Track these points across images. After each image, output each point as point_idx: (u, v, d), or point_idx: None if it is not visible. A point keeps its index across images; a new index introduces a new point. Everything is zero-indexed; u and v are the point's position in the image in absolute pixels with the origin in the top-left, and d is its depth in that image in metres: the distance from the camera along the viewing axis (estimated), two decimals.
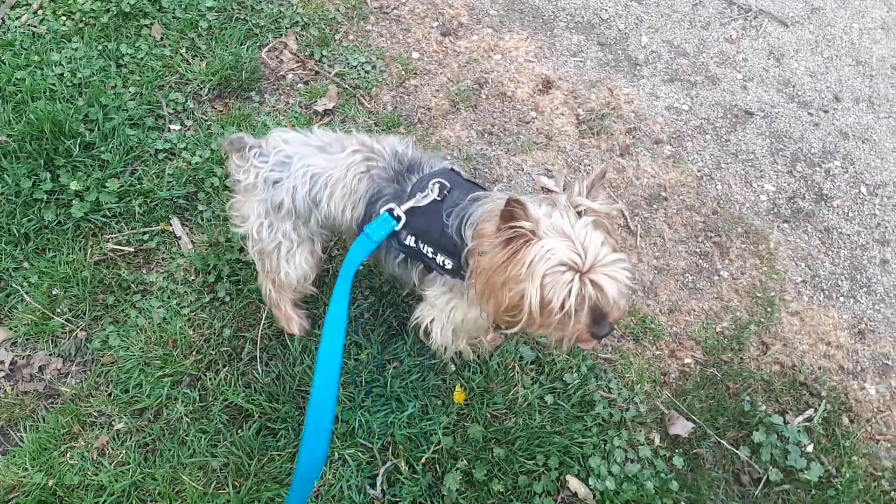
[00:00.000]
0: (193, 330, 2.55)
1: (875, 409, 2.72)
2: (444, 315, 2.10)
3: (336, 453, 2.25)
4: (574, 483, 2.30)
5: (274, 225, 2.10)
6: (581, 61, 3.82)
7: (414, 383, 2.45)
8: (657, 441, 2.47)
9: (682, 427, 2.50)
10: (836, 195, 3.39)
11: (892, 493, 2.48)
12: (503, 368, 2.53)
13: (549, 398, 2.47)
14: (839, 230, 3.25)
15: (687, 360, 2.72)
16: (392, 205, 1.91)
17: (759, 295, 2.96)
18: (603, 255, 1.64)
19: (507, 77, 3.66)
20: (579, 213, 1.71)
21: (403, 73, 3.57)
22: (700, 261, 3.05)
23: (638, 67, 3.85)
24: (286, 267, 2.17)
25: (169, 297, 2.62)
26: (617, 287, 1.65)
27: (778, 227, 3.22)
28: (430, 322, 2.14)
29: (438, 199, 1.91)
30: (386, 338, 2.57)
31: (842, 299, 3.02)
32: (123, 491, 2.16)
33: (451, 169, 2.04)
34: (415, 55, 3.69)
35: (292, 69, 3.50)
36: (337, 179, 2.01)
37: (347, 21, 3.79)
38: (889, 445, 2.63)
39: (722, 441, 2.50)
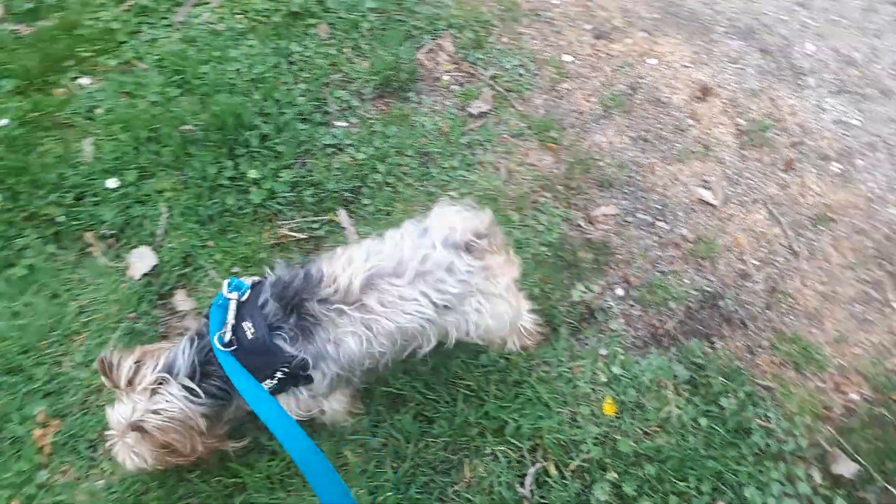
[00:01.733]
0: None
1: None
2: None
3: (489, 448, 2.31)
4: None
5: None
6: (741, 68, 3.68)
7: (563, 390, 2.47)
8: (818, 479, 2.36)
9: (845, 467, 2.37)
10: None
11: None
12: (656, 385, 2.50)
13: (703, 421, 2.42)
14: None
15: (853, 396, 2.58)
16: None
17: None
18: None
19: (662, 82, 3.59)
20: None
21: (556, 76, 3.58)
22: (870, 290, 2.88)
23: (802, 77, 3.67)
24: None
25: None
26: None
27: None
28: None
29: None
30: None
31: None
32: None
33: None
34: (567, 58, 3.69)
35: (448, 71, 3.59)
36: None
37: (501, 23, 3.84)
38: None
39: (890, 487, 2.36)
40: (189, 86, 3.40)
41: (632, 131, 3.37)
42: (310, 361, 1.87)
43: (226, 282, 1.95)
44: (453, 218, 1.99)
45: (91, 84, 3.53)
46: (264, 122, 3.20)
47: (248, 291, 1.94)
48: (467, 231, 1.95)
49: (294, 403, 2.03)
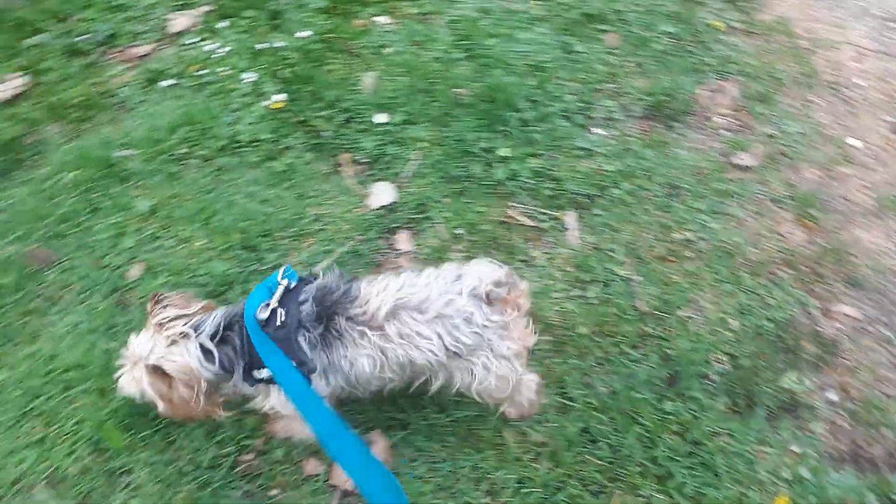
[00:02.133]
0: (556, 314, 2.72)
1: None
2: None
3: (646, 490, 2.26)
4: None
5: None
6: None
7: (740, 468, 2.35)
8: None
9: None
10: None
11: None
12: (841, 503, 2.30)
13: None
14: None
15: None
16: None
17: None
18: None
19: None
20: None
21: (836, 156, 3.35)
22: None
23: None
24: None
25: (544, 276, 2.83)
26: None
27: None
28: None
29: None
30: (724, 412, 2.49)
31: None
32: (454, 419, 2.41)
33: None
34: (853, 142, 3.44)
35: (723, 115, 3.49)
36: None
37: (794, 85, 3.66)
38: None
39: None
40: (473, 53, 3.61)
41: None
42: (318, 368, 1.95)
43: (282, 268, 2.05)
44: (484, 269, 2.00)
45: (387, 24, 3.86)
46: (530, 108, 3.32)
47: (296, 283, 2.03)
48: (489, 280, 1.95)
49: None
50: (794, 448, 2.42)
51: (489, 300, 1.96)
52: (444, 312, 1.93)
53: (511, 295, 2.02)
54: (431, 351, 1.93)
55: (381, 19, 3.92)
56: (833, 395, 2.58)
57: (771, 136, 3.38)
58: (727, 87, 3.60)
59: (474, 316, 1.94)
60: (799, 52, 3.83)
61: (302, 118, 3.24)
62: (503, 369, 2.03)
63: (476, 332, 1.95)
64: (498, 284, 1.98)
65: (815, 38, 3.93)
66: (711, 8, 4.01)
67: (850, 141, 3.45)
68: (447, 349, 1.94)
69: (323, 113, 3.26)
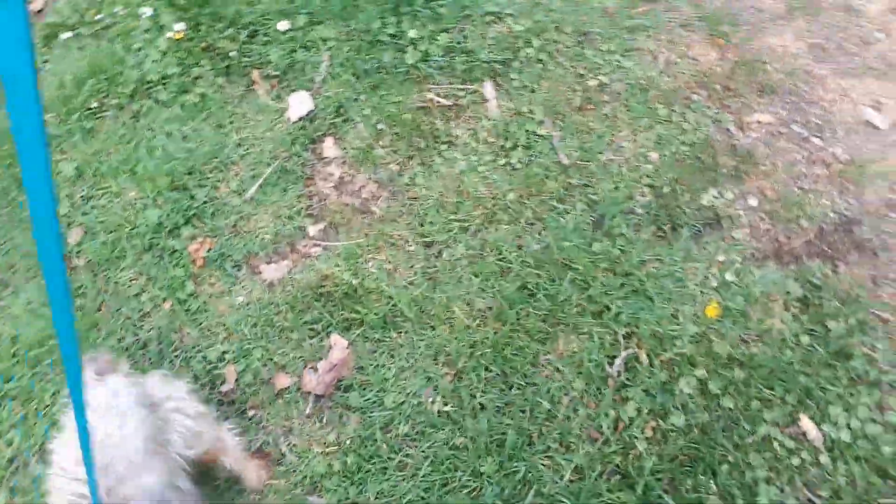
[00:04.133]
0: (485, 187, 2.86)
1: None
2: None
3: (585, 327, 2.50)
4: (806, 423, 2.33)
5: None
6: None
7: (670, 287, 2.57)
8: None
9: None
10: None
11: None
12: (766, 298, 2.53)
13: (805, 338, 2.44)
14: None
15: None
16: None
17: None
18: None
19: None
20: None
21: None
22: None
23: None
24: None
25: (469, 153, 2.94)
26: None
27: None
28: None
29: None
30: (650, 240, 2.68)
31: None
32: (407, 304, 2.61)
33: None
34: None
35: None
36: None
37: None
38: None
39: None
40: None
41: (811, 37, 3.15)
42: None
43: None
44: None
45: None
46: None
47: None
48: None
49: None
50: (720, 258, 2.62)
51: None
52: None
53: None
54: None
55: None
56: (752, 201, 2.75)
57: None
58: None
59: None
60: None
61: (206, 43, 3.23)
62: None
63: None
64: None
65: None
66: None
67: None
68: None
69: (226, 33, 3.25)
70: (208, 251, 2.73)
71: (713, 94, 2.99)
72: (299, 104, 3.04)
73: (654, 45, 3.13)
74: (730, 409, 2.34)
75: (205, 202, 2.83)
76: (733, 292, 2.55)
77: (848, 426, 2.31)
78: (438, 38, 3.16)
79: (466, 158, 2.93)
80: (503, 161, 2.91)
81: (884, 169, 2.81)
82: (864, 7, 3.19)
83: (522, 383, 2.38)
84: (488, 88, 3.08)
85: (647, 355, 2.44)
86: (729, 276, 2.58)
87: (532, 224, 2.74)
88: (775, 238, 2.69)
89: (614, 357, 2.46)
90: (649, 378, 2.39)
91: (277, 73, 3.15)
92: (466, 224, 2.78)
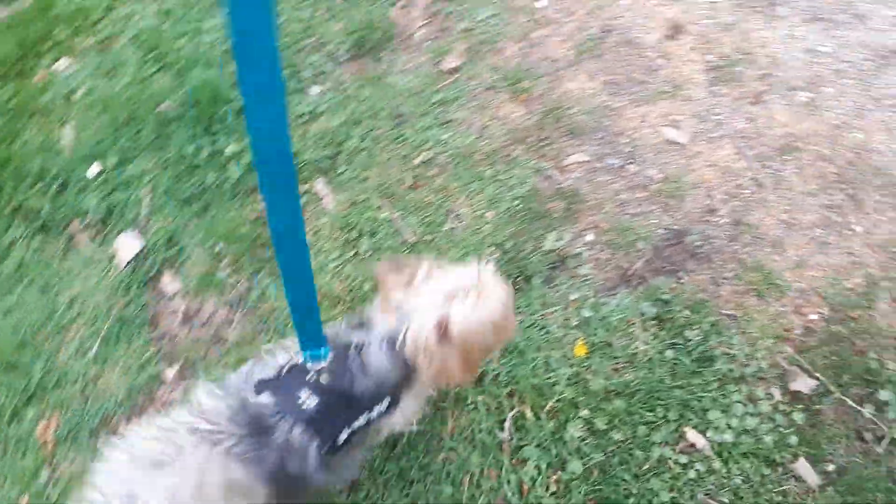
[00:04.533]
0: (339, 283, 2.83)
1: None
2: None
3: (469, 399, 2.49)
4: (692, 435, 2.43)
5: None
6: (714, 2, 3.68)
7: (536, 336, 2.63)
8: (777, 396, 2.52)
9: (803, 383, 2.53)
10: None
11: None
12: (625, 324, 2.65)
13: (669, 353, 2.57)
14: None
15: (812, 317, 2.71)
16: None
17: (894, 250, 2.86)
18: (475, 273, 1.78)
19: (634, 23, 3.61)
20: None
21: (529, 23, 3.61)
22: (832, 214, 2.97)
23: (776, 6, 3.66)
24: None
25: (316, 254, 2.91)
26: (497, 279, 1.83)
27: None
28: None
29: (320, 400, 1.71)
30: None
31: None
32: None
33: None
34: (539, 4, 3.70)
35: (421, 27, 3.63)
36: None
37: None
38: None
39: (845, 398, 2.51)
40: (165, 62, 3.49)
41: (603, 75, 3.42)
42: None
43: None
44: None
45: (69, 67, 3.63)
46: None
47: None
48: None
49: None
50: (574, 296, 2.73)
51: None
52: None
53: None
54: None
55: (61, 64, 3.67)
56: (589, 236, 2.90)
57: (467, 30, 3.57)
58: None
59: None
60: None
61: (14, 204, 3.03)
62: None
63: None
64: None
65: None
66: None
67: (538, 4, 3.71)
68: None
69: (34, 189, 3.07)
70: (56, 430, 2.49)
71: (529, 146, 3.16)
72: (127, 246, 2.90)
73: (465, 114, 3.27)
74: (620, 441, 2.39)
75: (44, 375, 2.61)
76: (594, 326, 2.65)
77: (729, 427, 2.43)
78: None
79: (314, 259, 2.89)
80: (351, 253, 2.90)
81: (695, 179, 3.07)
82: (642, 39, 3.52)
83: (421, 475, 2.32)
84: (320, 186, 3.08)
85: (532, 409, 2.47)
86: (586, 312, 2.68)
87: None
88: (618, 265, 2.84)
89: (503, 421, 2.46)
90: (539, 432, 2.41)
91: (97, 219, 3.00)
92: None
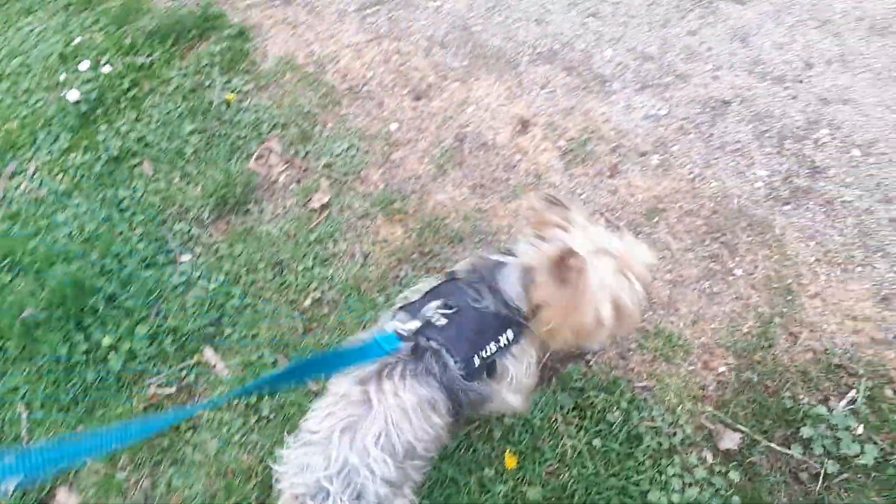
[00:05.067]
0: (247, 454, 2.66)
1: None
2: (522, 382, 2.11)
3: None
4: None
5: None
6: (551, 91, 3.91)
7: (465, 459, 2.53)
8: (710, 459, 2.51)
9: (730, 439, 2.54)
10: (830, 164, 3.42)
11: None
12: (547, 422, 2.60)
13: (596, 442, 2.53)
14: (841, 199, 3.27)
15: (721, 369, 2.76)
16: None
17: (775, 285, 3.00)
18: (627, 247, 1.92)
19: (484, 126, 3.76)
20: None
21: (386, 147, 3.69)
22: (712, 264, 3.10)
23: (608, 84, 3.93)
24: None
25: (218, 427, 2.74)
26: (646, 268, 1.95)
27: (780, 211, 3.25)
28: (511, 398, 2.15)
29: (451, 312, 1.93)
30: None
31: (858, 269, 3.04)
32: None
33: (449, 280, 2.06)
34: (393, 127, 3.81)
35: (282, 171, 3.64)
36: (399, 420, 1.81)
37: (322, 110, 3.93)
38: None
39: (772, 444, 2.53)
40: (21, 265, 3.31)
41: (468, 181, 3.51)
42: None
43: None
44: None
45: None
46: (107, 282, 3.14)
47: None
48: None
49: None
50: None
51: None
52: None
53: None
54: None
55: None
56: None
57: (328, 165, 3.61)
58: (271, 146, 3.75)
59: None
60: (311, 79, 4.11)
61: None
62: None
63: None
64: None
65: (317, 59, 4.25)
66: (217, 85, 4.13)
67: (391, 127, 3.81)
68: None
69: None
70: None
71: (415, 263, 3.16)
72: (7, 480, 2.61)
73: (345, 245, 3.26)
74: None
75: None
76: (518, 433, 2.59)
77: (671, 503, 2.38)
78: (136, 331, 2.98)
79: (217, 435, 2.72)
80: (255, 419, 2.74)
81: None
82: (495, 139, 3.66)
83: None
84: (209, 354, 2.94)
85: None
86: (507, 420, 2.61)
87: None
88: None
89: None
90: None
91: None
92: (246, 502, 2.53)
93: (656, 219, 3.27)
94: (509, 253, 2.01)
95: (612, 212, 3.31)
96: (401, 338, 1.90)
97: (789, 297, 2.96)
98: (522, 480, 2.47)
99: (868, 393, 2.65)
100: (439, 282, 2.07)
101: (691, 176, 3.43)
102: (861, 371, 2.71)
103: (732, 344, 2.83)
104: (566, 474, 2.47)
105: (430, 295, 2.01)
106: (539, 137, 3.67)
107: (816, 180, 3.37)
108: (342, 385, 1.89)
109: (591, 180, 3.45)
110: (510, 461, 2.50)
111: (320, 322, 3.01)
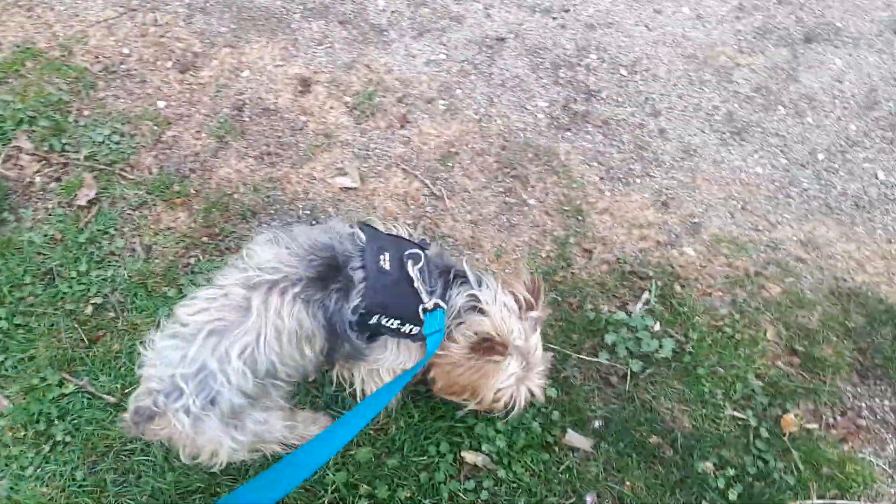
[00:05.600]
0: (46, 486, 2.35)
1: (699, 268, 2.98)
2: (386, 372, 2.15)
3: None
4: (470, 456, 2.38)
5: (241, 425, 1.87)
6: (329, 47, 3.76)
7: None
8: None
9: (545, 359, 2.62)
10: (602, 87, 3.61)
11: (735, 334, 2.75)
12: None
13: (420, 387, 2.50)
14: (615, 118, 3.47)
15: None
16: (432, 301, 1.95)
17: (566, 208, 3.13)
18: (539, 365, 2.08)
19: (263, 90, 3.54)
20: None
21: (156, 127, 3.36)
22: (507, 198, 3.16)
23: (385, 33, 3.85)
24: (272, 440, 2.04)
25: (7, 465, 2.39)
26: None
27: (562, 137, 3.39)
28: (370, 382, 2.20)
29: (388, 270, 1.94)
30: None
31: (638, 181, 3.25)
32: None
33: (363, 227, 2.06)
34: (161, 104, 3.47)
35: (37, 171, 3.20)
36: (270, 340, 1.79)
37: (76, 96, 3.49)
38: (720, 293, 2.91)
39: (581, 355, 2.65)
40: None
41: (253, 150, 3.30)
42: None
43: None
44: None
45: None
46: None
47: None
48: None
49: None
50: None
51: None
52: None
53: None
54: None
55: None
56: None
57: (91, 156, 3.22)
58: (19, 144, 3.28)
59: None
60: (57, 65, 3.63)
61: None
62: None
63: None
64: None
65: (62, 42, 3.75)
66: None
67: (159, 105, 3.48)
68: None
69: None
70: None
71: (206, 247, 2.93)
72: None
73: (123, 241, 2.93)
74: (410, 498, 2.27)
75: None
76: (340, 399, 2.49)
77: (497, 431, 2.43)
78: None
79: (7, 472, 2.37)
80: (48, 445, 2.42)
81: (380, 214, 3.07)
82: (277, 103, 3.46)
83: None
84: None
85: None
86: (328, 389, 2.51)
87: (121, 485, 2.33)
88: None
89: None
90: None
91: None
92: None
93: (451, 163, 3.27)
94: (478, 281, 2.07)
95: (408, 162, 3.27)
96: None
97: (580, 218, 3.10)
98: (352, 443, 2.39)
99: (659, 292, 2.85)
100: (416, 241, 2.14)
101: (477, 116, 3.47)
102: (651, 273, 2.91)
103: (535, 269, 2.92)
104: (393, 427, 2.43)
105: (404, 242, 2.08)
106: (324, 95, 3.52)
107: (592, 103, 3.54)
108: (227, 280, 1.86)
109: (384, 133, 3.38)
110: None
111: (108, 328, 2.70)
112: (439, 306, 1.95)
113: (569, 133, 3.41)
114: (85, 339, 2.67)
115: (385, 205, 3.11)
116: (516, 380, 2.02)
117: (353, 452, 2.36)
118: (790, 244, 3.07)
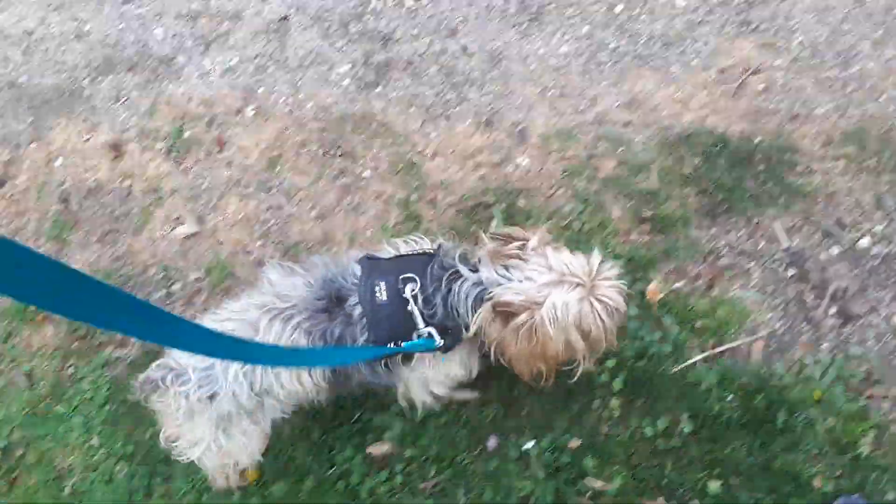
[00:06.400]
0: None
1: (536, 174, 2.99)
2: (438, 383, 2.18)
3: None
4: (375, 449, 2.47)
5: (228, 430, 2.04)
6: (126, 99, 3.64)
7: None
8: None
9: None
10: (395, 26, 3.51)
11: (583, 226, 2.80)
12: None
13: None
14: (415, 54, 3.40)
15: None
16: (426, 330, 1.89)
17: (400, 166, 3.11)
18: (591, 268, 1.82)
19: (81, 171, 3.46)
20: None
21: None
22: (343, 180, 3.14)
23: (174, 61, 3.71)
24: (243, 458, 2.18)
25: None
26: (617, 288, 1.85)
27: (374, 95, 3.33)
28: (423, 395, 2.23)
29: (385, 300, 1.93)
30: None
31: (456, 109, 3.22)
32: None
33: (361, 260, 2.03)
34: None
35: None
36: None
37: None
38: (562, 190, 2.93)
39: None
40: None
41: (93, 235, 3.25)
42: None
43: None
44: None
45: None
46: None
47: None
48: None
49: None
50: None
51: None
52: None
53: None
54: None
55: None
56: None
57: None
58: None
59: None
60: None
61: None
62: None
63: None
64: None
65: None
66: None
67: None
68: None
69: None
70: None
71: (79, 354, 2.94)
72: None
73: (2, 381, 2.95)
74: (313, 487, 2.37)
75: None
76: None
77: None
78: None
79: None
80: None
81: (230, 248, 3.06)
82: (98, 179, 3.39)
83: None
84: None
85: None
86: None
87: None
88: None
89: None
90: None
91: None
92: None
93: (277, 167, 3.24)
94: (473, 268, 1.92)
95: (238, 183, 3.23)
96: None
97: (414, 171, 3.09)
98: (264, 482, 2.48)
99: (504, 214, 2.88)
100: (423, 252, 2.07)
101: (288, 108, 3.40)
102: (494, 199, 2.93)
103: (389, 239, 2.93)
104: (299, 452, 2.51)
105: (406, 261, 2.02)
106: (137, 152, 3.45)
107: (390, 48, 3.46)
108: (253, 300, 2.00)
109: (205, 164, 3.33)
110: (252, 475, 2.50)
111: (19, 467, 2.75)
112: (431, 336, 1.91)
113: (378, 88, 3.35)
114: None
115: (230, 237, 3.10)
116: (579, 301, 1.78)
117: (269, 491, 2.45)
118: (614, 113, 3.07)
